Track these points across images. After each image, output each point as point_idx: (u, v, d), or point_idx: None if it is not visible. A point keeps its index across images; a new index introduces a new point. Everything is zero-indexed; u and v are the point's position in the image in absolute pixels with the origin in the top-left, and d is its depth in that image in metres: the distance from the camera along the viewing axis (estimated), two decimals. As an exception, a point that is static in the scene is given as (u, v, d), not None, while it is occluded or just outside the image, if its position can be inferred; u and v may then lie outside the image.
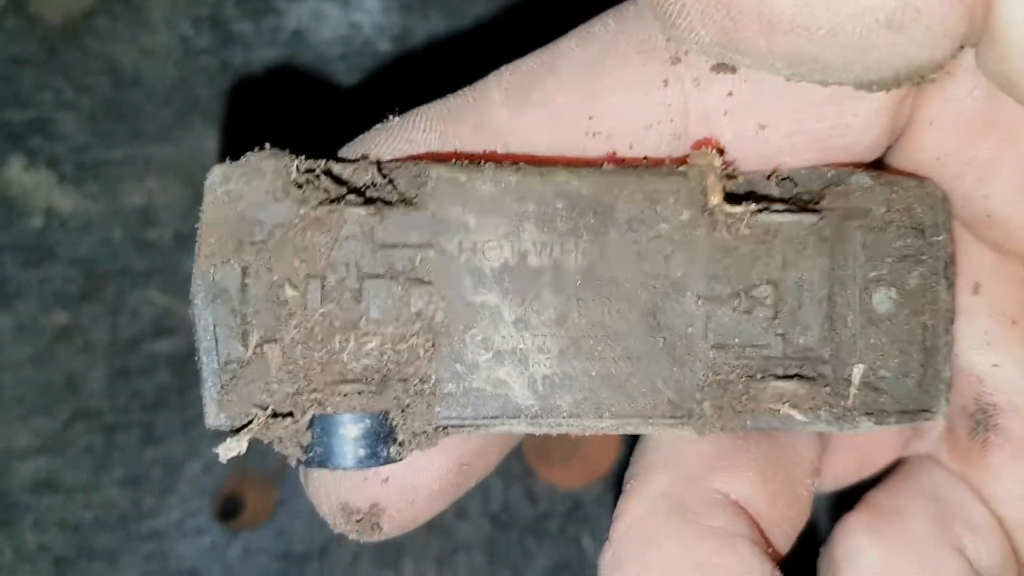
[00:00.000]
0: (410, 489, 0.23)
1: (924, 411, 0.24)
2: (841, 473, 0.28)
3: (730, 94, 0.23)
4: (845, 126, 0.24)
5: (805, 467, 0.25)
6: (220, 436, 0.50)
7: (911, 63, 0.21)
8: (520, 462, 0.51)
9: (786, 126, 0.24)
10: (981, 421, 0.26)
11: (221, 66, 0.56)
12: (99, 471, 0.50)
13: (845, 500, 0.26)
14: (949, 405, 0.25)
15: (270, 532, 0.50)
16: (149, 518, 0.50)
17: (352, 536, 0.24)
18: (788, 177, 0.24)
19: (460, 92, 0.24)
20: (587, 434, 0.22)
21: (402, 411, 0.21)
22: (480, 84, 0.24)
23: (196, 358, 0.21)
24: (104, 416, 0.51)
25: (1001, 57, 0.20)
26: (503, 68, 0.24)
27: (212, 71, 0.56)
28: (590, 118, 0.23)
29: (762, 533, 0.23)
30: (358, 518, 0.23)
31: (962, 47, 0.21)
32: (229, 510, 0.50)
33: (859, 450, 0.27)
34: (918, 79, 0.22)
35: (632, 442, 0.50)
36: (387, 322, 0.21)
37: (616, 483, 0.50)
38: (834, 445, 0.27)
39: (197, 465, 0.50)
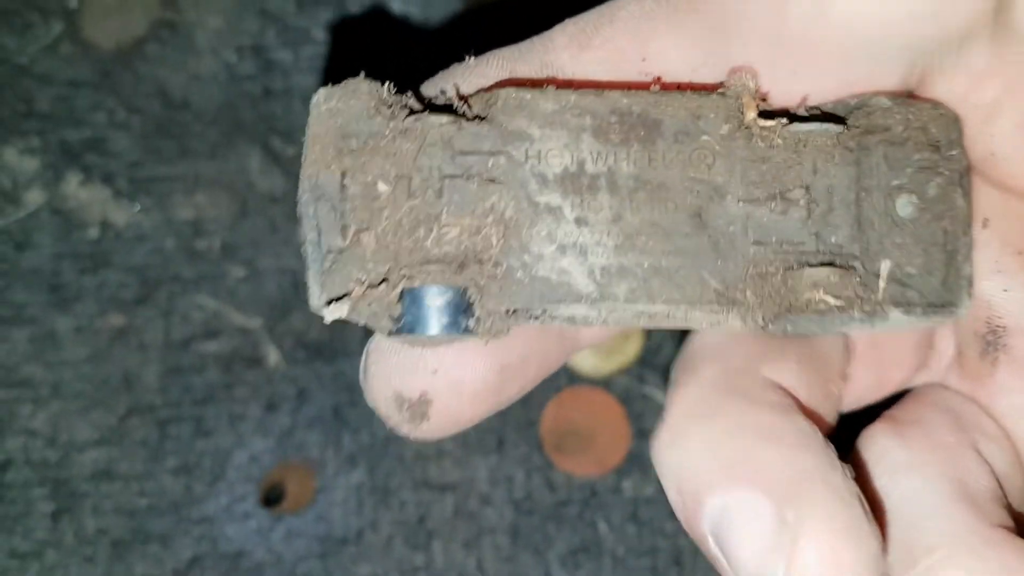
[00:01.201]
0: (456, 383, 0.25)
1: (949, 305, 0.26)
2: (861, 389, 0.29)
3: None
4: (867, 74, 0.26)
5: (835, 367, 0.27)
6: (262, 429, 0.54)
7: None
8: (540, 454, 0.55)
9: (815, 80, 0.26)
10: (991, 342, 0.27)
11: (263, 91, 0.61)
12: (153, 461, 0.54)
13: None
14: (967, 312, 0.26)
15: (310, 517, 0.54)
16: (199, 504, 0.54)
17: (404, 429, 0.25)
18: (816, 107, 0.26)
19: (528, 40, 0.27)
20: (640, 323, 0.24)
21: (478, 289, 0.23)
22: (546, 33, 0.27)
23: (302, 250, 0.23)
24: (158, 411, 0.55)
25: None
26: (567, 20, 0.27)
27: (255, 95, 0.61)
28: (643, 60, 0.26)
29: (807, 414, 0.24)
30: (408, 406, 0.25)
31: None
32: (272, 497, 0.54)
33: (877, 367, 0.29)
34: None
35: (644, 436, 0.54)
36: (464, 215, 0.23)
37: (628, 473, 0.55)
38: (856, 359, 0.29)
39: (243, 456, 0.55)
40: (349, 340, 0.56)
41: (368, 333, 0.25)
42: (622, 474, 0.55)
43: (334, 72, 0.60)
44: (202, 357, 0.56)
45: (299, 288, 0.57)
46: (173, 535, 0.53)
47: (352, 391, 0.56)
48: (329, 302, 0.23)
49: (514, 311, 0.24)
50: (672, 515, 0.25)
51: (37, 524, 0.53)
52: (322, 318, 0.23)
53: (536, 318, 0.24)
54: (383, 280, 0.23)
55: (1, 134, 0.60)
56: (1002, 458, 0.26)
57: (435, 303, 0.23)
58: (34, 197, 0.59)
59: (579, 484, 0.55)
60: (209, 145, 0.60)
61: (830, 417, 0.27)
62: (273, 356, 0.56)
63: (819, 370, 0.26)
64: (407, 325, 0.23)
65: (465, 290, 0.23)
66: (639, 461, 0.55)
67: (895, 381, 0.30)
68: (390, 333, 0.23)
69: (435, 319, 0.23)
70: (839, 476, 0.22)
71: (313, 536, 0.54)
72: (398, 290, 0.23)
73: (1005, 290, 0.28)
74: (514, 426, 0.55)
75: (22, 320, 0.56)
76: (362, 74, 0.24)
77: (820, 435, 0.23)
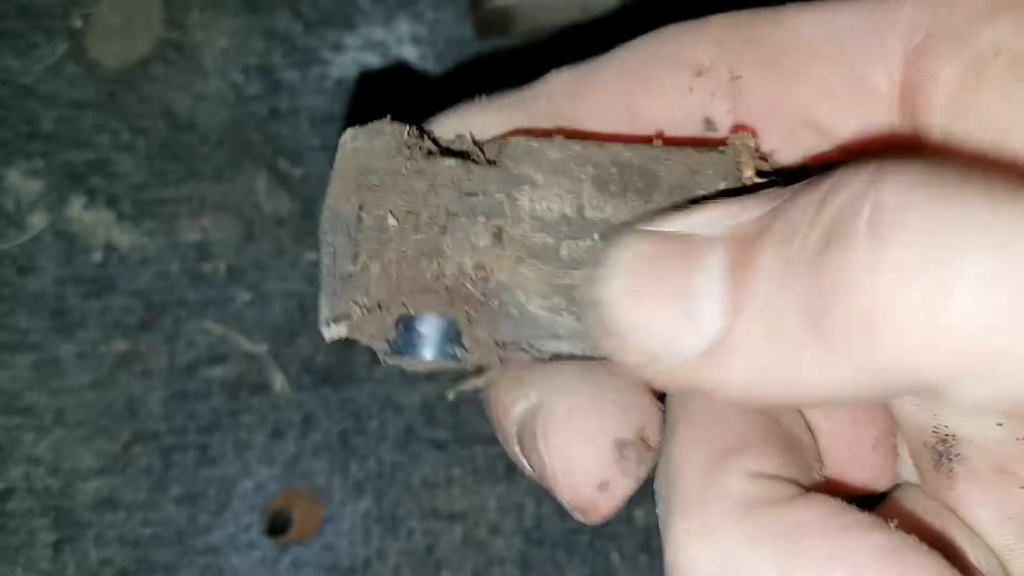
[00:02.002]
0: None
1: None
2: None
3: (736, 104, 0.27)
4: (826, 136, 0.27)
5: (812, 452, 0.25)
6: (267, 457, 0.53)
7: None
8: (550, 482, 0.54)
9: (778, 134, 0.27)
10: (943, 452, 0.25)
11: (270, 112, 0.60)
12: (157, 490, 0.53)
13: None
14: (909, 440, 0.25)
15: (317, 547, 0.53)
16: (204, 533, 0.53)
17: (624, 482, 0.24)
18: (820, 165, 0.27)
19: (528, 86, 0.28)
20: None
21: (469, 321, 0.24)
22: (543, 79, 0.28)
23: (318, 274, 0.25)
24: (162, 438, 0.54)
25: None
26: (563, 68, 0.28)
27: (261, 116, 0.60)
28: (627, 109, 0.27)
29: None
30: (630, 448, 0.25)
31: None
32: (278, 526, 0.53)
33: (837, 464, 0.27)
34: None
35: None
36: (464, 252, 0.24)
37: (640, 502, 0.54)
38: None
39: (249, 484, 0.54)
40: (356, 366, 0.56)
41: (375, 359, 0.26)
42: (634, 503, 0.53)
43: (353, 110, 0.60)
44: (207, 383, 0.55)
45: (306, 312, 0.57)
46: (178, 566, 0.52)
47: (359, 417, 0.55)
48: (331, 322, 0.25)
49: (503, 343, 0.25)
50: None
51: (39, 554, 0.52)
52: (328, 338, 0.25)
53: (525, 351, 0.25)
54: (379, 305, 0.24)
55: (4, 156, 0.59)
56: (985, 559, 0.24)
57: (426, 331, 0.24)
58: (37, 220, 0.58)
59: (590, 513, 0.54)
60: (215, 167, 0.59)
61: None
62: (279, 382, 0.55)
63: (801, 458, 0.24)
64: (399, 349, 0.24)
65: (455, 321, 0.24)
66: (651, 490, 0.54)
67: (859, 481, 0.27)
68: (385, 355, 0.25)
69: (426, 346, 0.24)
70: None
71: (319, 566, 0.53)
72: (394, 316, 0.24)
73: None
74: (524, 454, 0.55)
75: (25, 346, 0.55)
76: (388, 116, 0.25)
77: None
